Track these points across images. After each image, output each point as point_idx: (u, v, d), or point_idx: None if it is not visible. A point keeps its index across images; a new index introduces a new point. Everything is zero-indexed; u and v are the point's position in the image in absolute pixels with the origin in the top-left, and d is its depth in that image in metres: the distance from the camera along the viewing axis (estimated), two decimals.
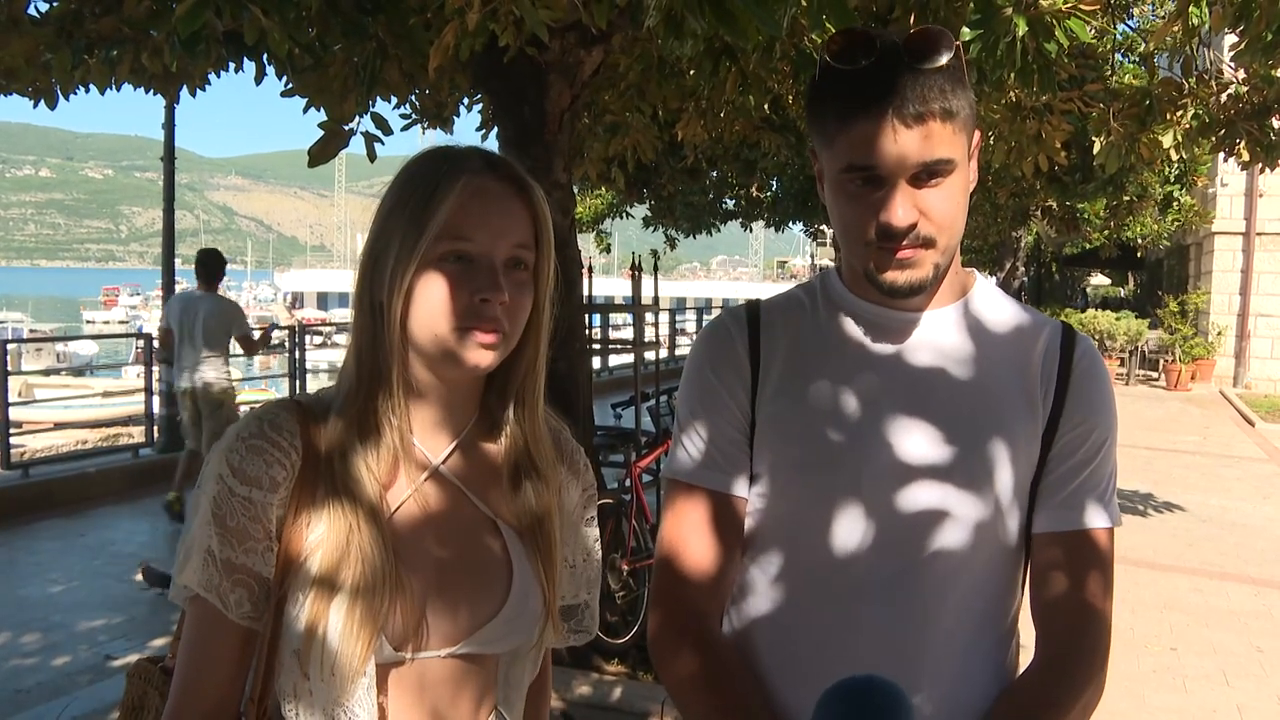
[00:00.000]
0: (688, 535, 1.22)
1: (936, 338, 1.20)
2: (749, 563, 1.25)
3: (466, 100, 5.24)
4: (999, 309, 1.24)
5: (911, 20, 3.17)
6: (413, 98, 4.79)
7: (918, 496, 1.16)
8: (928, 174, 1.09)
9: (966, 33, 2.35)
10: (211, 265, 7.18)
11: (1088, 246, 21.86)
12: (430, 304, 1.04)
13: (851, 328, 1.21)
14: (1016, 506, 1.19)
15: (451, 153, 1.10)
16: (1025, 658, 1.22)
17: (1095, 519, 1.19)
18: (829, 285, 1.26)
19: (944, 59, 1.07)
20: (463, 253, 1.05)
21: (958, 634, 1.17)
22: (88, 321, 58.23)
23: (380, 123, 3.48)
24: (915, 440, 1.16)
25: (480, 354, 1.06)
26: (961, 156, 1.12)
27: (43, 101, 3.80)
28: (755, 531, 1.24)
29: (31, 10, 3.32)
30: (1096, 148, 4.30)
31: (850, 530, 1.16)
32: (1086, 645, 1.15)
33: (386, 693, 1.06)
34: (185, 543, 1.06)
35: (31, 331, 36.92)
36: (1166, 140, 4.21)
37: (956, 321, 1.21)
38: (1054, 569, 1.19)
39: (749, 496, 1.23)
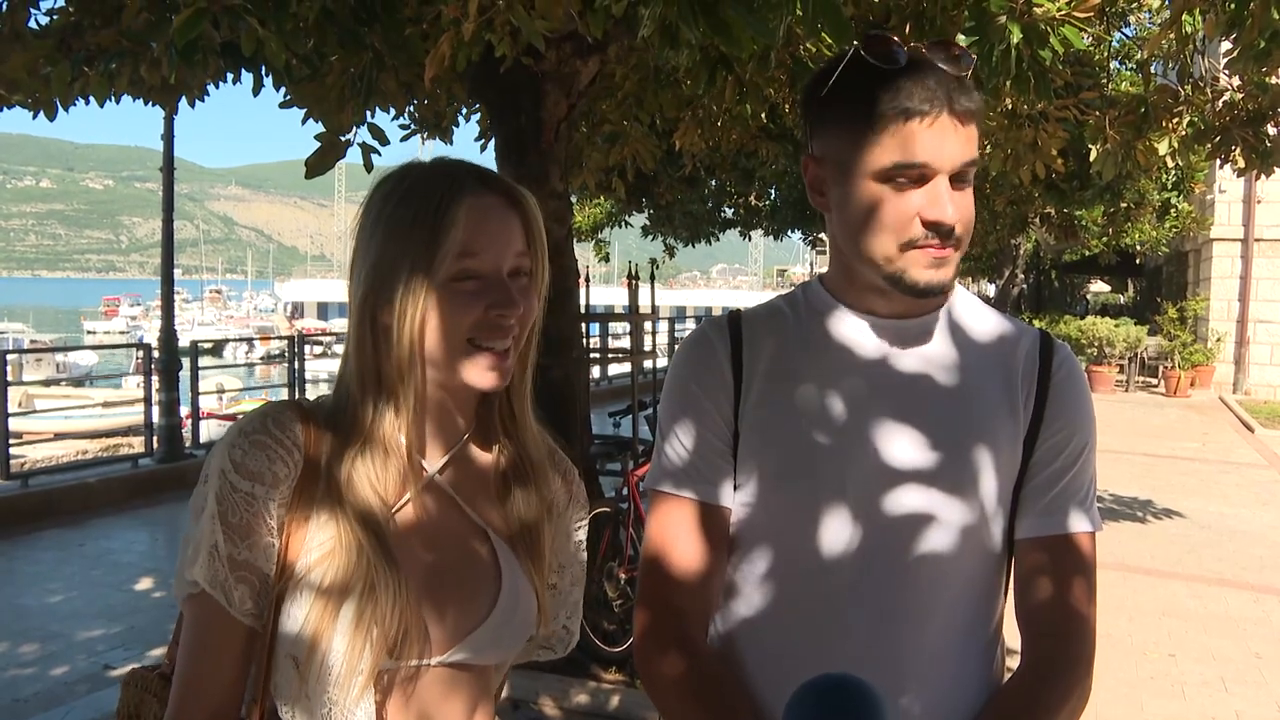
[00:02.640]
0: (673, 539, 1.22)
1: (920, 345, 1.21)
2: (735, 568, 1.25)
3: (465, 110, 5.26)
4: (980, 317, 1.25)
5: (908, 29, 3.18)
6: (411, 108, 4.81)
7: (904, 502, 1.16)
8: (961, 175, 1.12)
9: (962, 40, 2.36)
10: None
11: (1086, 253, 21.87)
12: (445, 325, 1.06)
13: (836, 335, 1.22)
14: (1000, 512, 1.20)
15: (447, 172, 1.09)
16: (1011, 663, 1.22)
17: (1078, 524, 1.20)
18: (812, 294, 1.27)
19: (969, 67, 1.11)
20: (473, 271, 1.06)
21: (944, 638, 1.18)
22: (88, 332, 58.36)
23: (377, 133, 3.49)
24: (901, 446, 1.17)
25: (493, 374, 1.08)
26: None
27: (42, 113, 3.80)
28: (741, 537, 1.24)
29: (32, 23, 3.33)
30: (1093, 155, 4.31)
31: (836, 535, 1.17)
32: (1072, 651, 1.16)
33: (379, 699, 1.06)
34: (190, 539, 1.06)
35: (32, 342, 36.87)
36: (1162, 147, 4.21)
37: (939, 329, 1.22)
38: (1038, 574, 1.20)
39: (733, 505, 1.24)
